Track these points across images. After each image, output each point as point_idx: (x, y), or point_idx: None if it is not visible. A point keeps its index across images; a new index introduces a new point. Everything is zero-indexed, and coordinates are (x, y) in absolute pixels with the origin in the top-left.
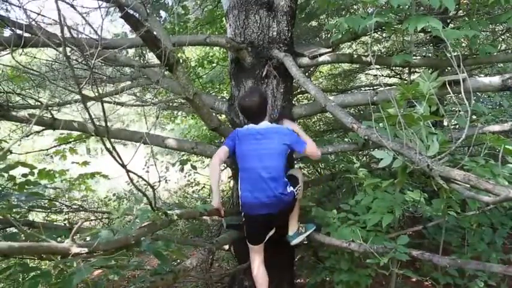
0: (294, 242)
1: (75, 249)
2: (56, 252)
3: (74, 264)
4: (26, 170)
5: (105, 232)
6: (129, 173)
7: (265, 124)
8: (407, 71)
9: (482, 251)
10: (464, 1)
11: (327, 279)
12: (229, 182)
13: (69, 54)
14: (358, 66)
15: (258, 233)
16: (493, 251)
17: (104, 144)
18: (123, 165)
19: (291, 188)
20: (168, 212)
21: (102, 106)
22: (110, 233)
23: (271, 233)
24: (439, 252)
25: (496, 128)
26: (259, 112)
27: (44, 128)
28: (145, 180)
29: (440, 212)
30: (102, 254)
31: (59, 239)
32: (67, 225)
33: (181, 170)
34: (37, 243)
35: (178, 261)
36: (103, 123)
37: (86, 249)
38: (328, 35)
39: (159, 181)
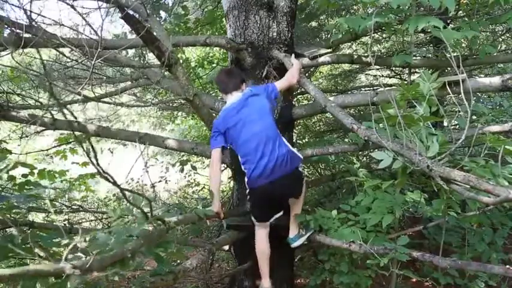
0: (295, 244)
1: (68, 270)
2: (51, 274)
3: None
4: (26, 170)
5: (102, 235)
6: (123, 190)
7: (239, 94)
8: (407, 72)
9: (483, 252)
10: (464, 1)
11: (327, 279)
12: (229, 182)
13: (69, 54)
14: (358, 66)
15: (264, 206)
16: (493, 251)
17: (100, 173)
18: (117, 185)
19: (292, 148)
20: (166, 219)
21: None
22: (107, 236)
23: (278, 215)
24: (439, 252)
25: (496, 128)
26: (233, 81)
27: (44, 128)
28: (142, 196)
29: (441, 212)
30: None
31: (58, 239)
32: (67, 225)
33: (181, 170)
34: (32, 267)
35: (178, 261)
36: (103, 124)
37: (79, 271)
38: (328, 36)
39: (159, 181)
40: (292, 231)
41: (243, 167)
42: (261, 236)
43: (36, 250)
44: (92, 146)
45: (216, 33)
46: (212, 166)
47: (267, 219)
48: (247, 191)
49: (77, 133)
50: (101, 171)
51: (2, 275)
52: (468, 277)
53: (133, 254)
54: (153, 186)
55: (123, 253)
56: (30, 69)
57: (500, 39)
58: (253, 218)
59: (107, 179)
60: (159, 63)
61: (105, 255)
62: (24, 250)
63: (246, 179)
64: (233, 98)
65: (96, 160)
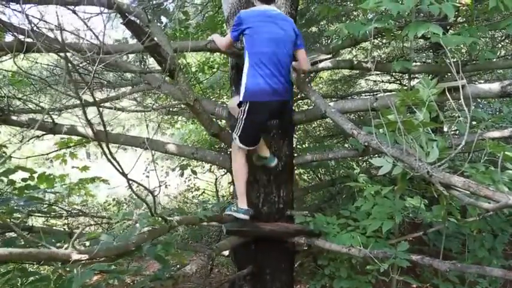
0: (273, 164)
1: (75, 256)
2: (57, 258)
3: (74, 269)
4: (26, 175)
5: (105, 236)
6: (130, 180)
7: (274, 9)
8: (407, 77)
9: (483, 257)
10: (464, 8)
11: (327, 284)
12: (229, 187)
13: (70, 59)
14: (358, 72)
15: (260, 125)
16: (493, 257)
17: (104, 153)
18: (123, 174)
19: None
20: (168, 218)
21: (100, 112)
22: (109, 237)
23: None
24: (439, 258)
25: (496, 134)
26: None
27: (44, 133)
28: (145, 188)
29: (441, 218)
30: (102, 260)
31: (58, 244)
32: (67, 230)
33: (181, 175)
34: (38, 250)
35: (178, 266)
36: (102, 129)
37: (86, 256)
38: (329, 41)
39: (159, 186)
40: (265, 152)
41: (246, 77)
42: (239, 158)
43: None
44: (110, 151)
45: None
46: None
47: (255, 142)
48: (245, 107)
49: (77, 137)
50: (122, 172)
51: (10, 253)
52: (468, 283)
53: (137, 247)
54: (152, 194)
55: (128, 246)
56: (31, 74)
57: (500, 45)
58: (238, 142)
59: (125, 176)
60: (159, 68)
61: (111, 246)
62: None
63: (243, 92)
64: (267, 8)
65: (117, 162)
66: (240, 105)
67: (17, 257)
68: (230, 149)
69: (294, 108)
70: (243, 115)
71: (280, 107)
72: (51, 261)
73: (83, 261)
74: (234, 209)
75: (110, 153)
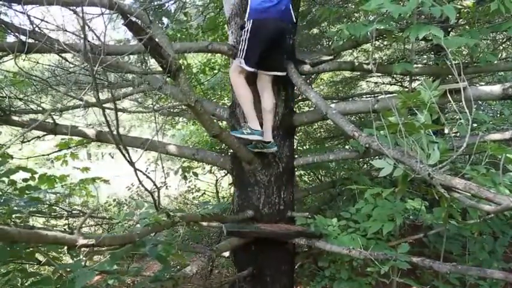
0: (274, 149)
1: (81, 241)
2: (63, 242)
3: (75, 270)
4: (27, 175)
5: (107, 235)
6: (137, 172)
7: None
8: (408, 79)
9: (483, 260)
10: (465, 10)
11: (327, 286)
12: (230, 188)
13: (72, 60)
14: (359, 73)
15: (264, 43)
16: (494, 259)
17: (117, 146)
18: (132, 163)
19: None
20: (171, 213)
21: (116, 113)
22: (112, 234)
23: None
24: (440, 260)
25: (497, 136)
26: None
27: (45, 133)
28: (151, 180)
29: (441, 220)
30: (106, 253)
31: None
32: (67, 230)
33: (184, 178)
34: (44, 232)
35: (178, 267)
36: (106, 129)
37: (93, 241)
38: (330, 43)
39: (161, 187)
40: (268, 137)
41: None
42: (241, 82)
43: (37, 254)
44: (125, 147)
45: (218, 40)
46: None
47: (258, 66)
48: (248, 27)
49: (78, 138)
50: (130, 162)
51: (19, 233)
52: (469, 285)
53: (141, 240)
54: (157, 187)
55: (132, 236)
56: (33, 75)
57: (501, 48)
58: (244, 65)
59: (132, 165)
60: (160, 69)
61: (116, 235)
62: (25, 254)
63: (248, 12)
64: None
65: (128, 154)
66: (242, 28)
67: (25, 238)
68: (230, 150)
69: (294, 109)
70: (247, 35)
71: (282, 29)
72: (57, 244)
73: (89, 248)
74: (247, 132)
75: (125, 148)
